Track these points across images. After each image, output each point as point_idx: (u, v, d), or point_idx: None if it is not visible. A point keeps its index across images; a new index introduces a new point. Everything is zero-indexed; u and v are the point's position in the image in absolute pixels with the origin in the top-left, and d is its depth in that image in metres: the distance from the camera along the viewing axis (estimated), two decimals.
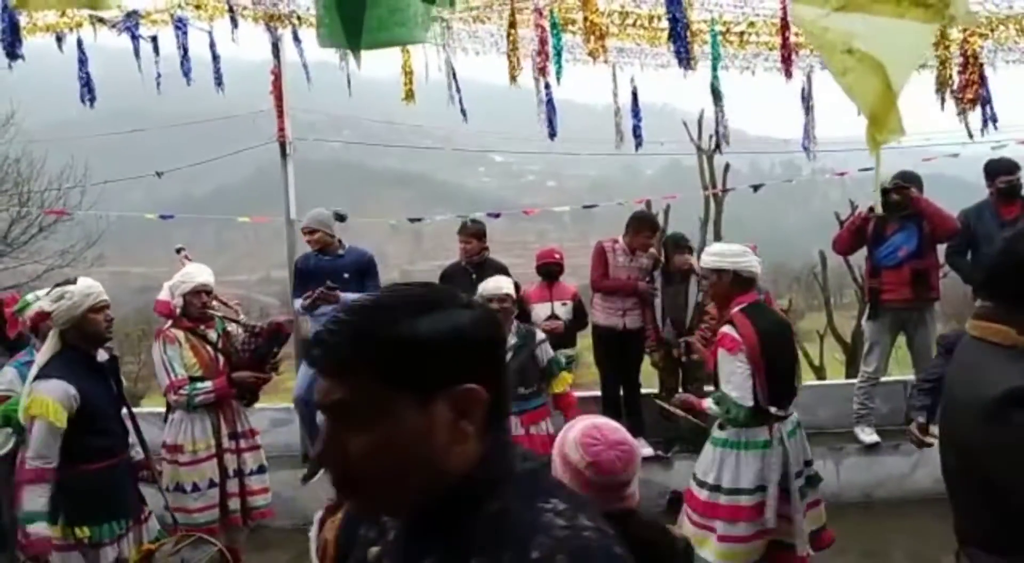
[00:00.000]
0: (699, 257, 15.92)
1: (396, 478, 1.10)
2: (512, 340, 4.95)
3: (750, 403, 3.82)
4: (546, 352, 5.17)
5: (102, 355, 3.89)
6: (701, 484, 4.02)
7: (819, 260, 17.42)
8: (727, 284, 3.96)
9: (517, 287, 6.77)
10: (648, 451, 6.07)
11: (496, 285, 4.93)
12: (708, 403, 3.97)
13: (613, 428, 2.16)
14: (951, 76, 4.97)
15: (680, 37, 4.46)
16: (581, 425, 2.18)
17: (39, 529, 3.47)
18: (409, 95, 5.92)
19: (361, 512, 1.26)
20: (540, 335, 5.22)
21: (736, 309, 3.93)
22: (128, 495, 3.93)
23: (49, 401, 3.52)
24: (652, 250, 6.47)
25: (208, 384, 4.59)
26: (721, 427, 4.00)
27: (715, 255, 4.04)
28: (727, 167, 16.35)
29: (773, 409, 3.89)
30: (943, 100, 5.27)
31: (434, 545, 1.11)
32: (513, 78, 5.16)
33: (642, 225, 6.36)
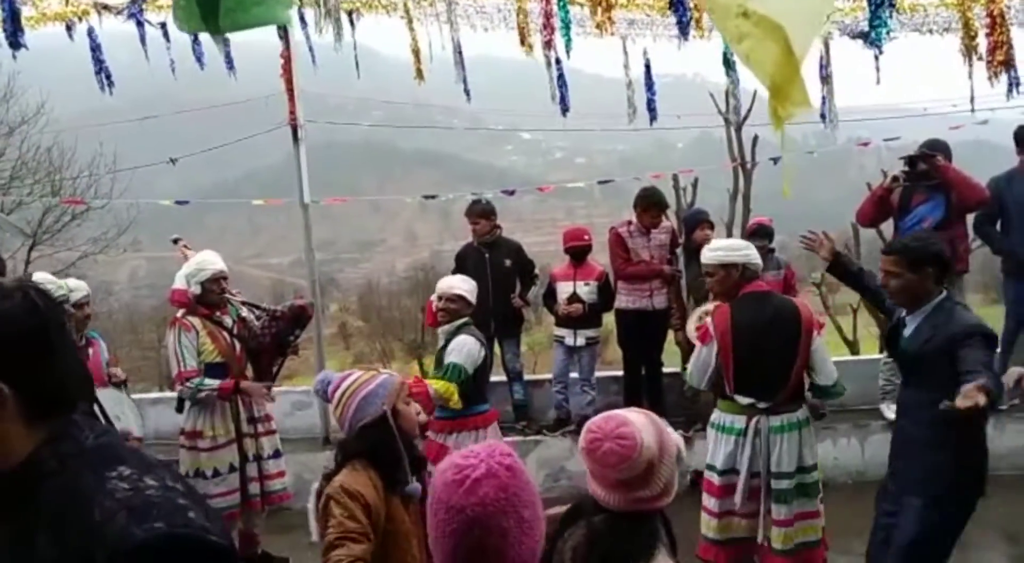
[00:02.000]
0: (728, 231, 15.75)
1: None
2: (440, 341, 4.66)
3: (699, 386, 4.21)
4: (449, 355, 4.46)
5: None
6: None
7: (852, 232, 17.07)
8: (736, 278, 4.03)
9: (532, 266, 6.75)
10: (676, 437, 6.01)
11: (448, 284, 4.71)
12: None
13: (619, 421, 2.09)
14: (976, 38, 4.75)
15: (681, 4, 4.31)
16: (598, 417, 2.17)
17: None
18: (419, 74, 5.86)
19: None
20: (459, 339, 4.49)
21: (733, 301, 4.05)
22: None
23: None
24: (667, 223, 6.38)
25: (215, 382, 4.62)
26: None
27: (725, 250, 4.09)
28: (756, 139, 16.02)
29: (748, 400, 3.98)
30: (971, 64, 5.06)
31: (6, 521, 1.17)
32: (528, 47, 5.05)
33: (648, 203, 6.28)
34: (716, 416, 4.17)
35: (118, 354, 5.04)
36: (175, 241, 5.47)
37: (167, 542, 1.10)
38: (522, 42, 4.86)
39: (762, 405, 3.98)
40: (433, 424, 4.58)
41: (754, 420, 3.97)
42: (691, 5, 4.34)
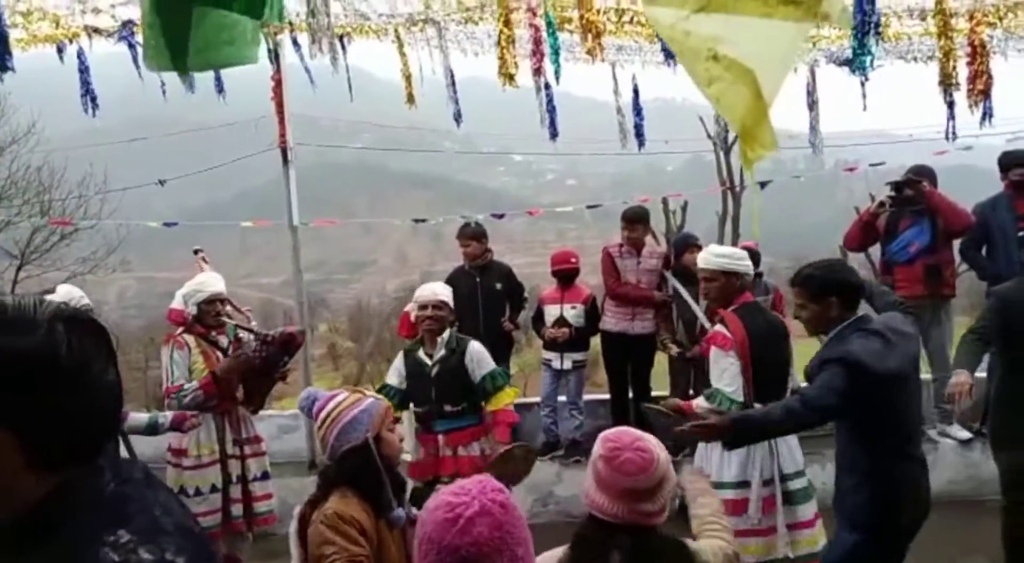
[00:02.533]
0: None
1: None
2: (439, 352, 4.54)
3: (741, 398, 3.92)
4: (480, 366, 4.54)
5: None
6: None
7: (840, 255, 17.18)
8: (737, 286, 4.06)
9: (521, 289, 6.74)
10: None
11: (432, 291, 4.58)
12: (699, 401, 4.03)
13: (636, 435, 2.17)
14: (955, 68, 4.82)
15: None
16: (608, 432, 2.20)
17: None
18: (410, 99, 5.90)
19: None
20: (474, 347, 4.58)
21: (729, 309, 4.05)
22: None
23: None
24: (659, 248, 6.41)
25: (194, 384, 4.61)
26: None
27: (724, 257, 4.12)
28: None
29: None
30: (949, 94, 5.11)
31: None
32: (510, 77, 5.08)
33: (628, 218, 6.31)
34: None
35: None
36: (196, 251, 5.51)
37: None
38: (505, 69, 4.86)
39: None
40: (430, 438, 4.58)
41: None
42: None
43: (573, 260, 6.59)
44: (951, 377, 5.96)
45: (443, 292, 4.60)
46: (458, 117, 5.68)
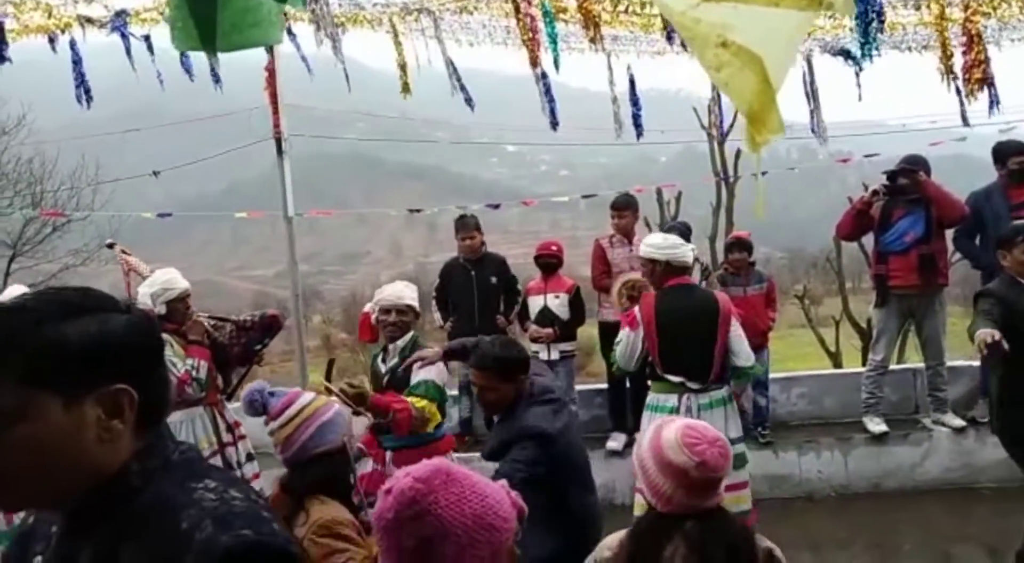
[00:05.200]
0: (711, 244, 15.96)
1: (41, 476, 1.14)
2: (392, 361, 4.13)
3: (631, 368, 4.55)
4: (418, 374, 3.94)
5: None
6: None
7: (833, 245, 17.22)
8: (660, 272, 4.46)
9: (515, 282, 6.73)
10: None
11: (397, 294, 4.14)
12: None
13: (705, 425, 2.16)
14: (952, 56, 4.82)
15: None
16: (674, 428, 2.15)
17: None
18: (405, 88, 5.87)
19: (7, 508, 1.30)
20: (424, 354, 4.01)
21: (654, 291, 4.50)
22: None
23: None
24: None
25: (193, 360, 4.62)
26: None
27: (651, 247, 4.50)
28: (738, 152, 16.16)
29: (677, 378, 4.37)
30: (949, 82, 5.13)
31: (90, 539, 1.16)
32: (533, 64, 5.07)
33: (618, 207, 6.34)
34: (650, 398, 4.51)
35: None
36: (110, 246, 5.42)
37: (252, 548, 1.11)
38: (530, 60, 4.88)
39: (693, 385, 4.36)
40: (379, 453, 4.11)
41: (684, 398, 4.35)
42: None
43: (554, 248, 6.56)
44: (944, 365, 6.01)
45: (408, 295, 4.17)
46: (469, 102, 5.67)
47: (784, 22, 2.11)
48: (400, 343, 4.12)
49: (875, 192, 5.85)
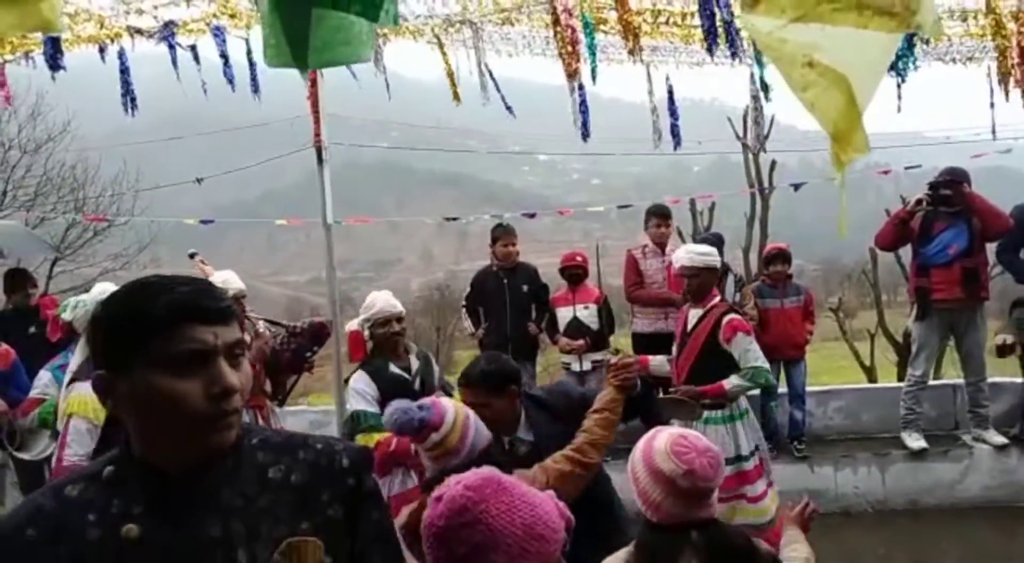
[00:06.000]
0: (745, 256, 15.80)
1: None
2: (414, 363, 4.13)
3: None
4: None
5: None
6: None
7: (870, 256, 16.96)
8: (712, 280, 4.57)
9: (546, 291, 6.73)
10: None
11: (391, 304, 4.12)
12: (733, 380, 4.31)
13: (696, 436, 2.15)
14: (1012, 67, 4.76)
15: (712, 31, 4.37)
16: (664, 436, 2.14)
17: None
18: (456, 97, 5.89)
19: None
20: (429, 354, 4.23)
21: (718, 299, 4.54)
22: None
23: (88, 399, 3.52)
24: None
25: None
26: (718, 407, 4.42)
27: (705, 255, 4.57)
28: (773, 164, 16.02)
29: None
30: (1007, 91, 5.07)
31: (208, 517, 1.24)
32: (571, 75, 5.11)
33: (652, 215, 6.31)
34: (728, 409, 4.45)
35: None
36: (192, 255, 5.56)
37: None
38: (566, 72, 4.93)
39: None
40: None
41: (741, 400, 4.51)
42: (719, 32, 4.39)
43: (580, 258, 6.54)
44: (986, 381, 5.93)
45: (398, 302, 4.21)
46: (510, 110, 5.72)
47: (872, 43, 2.12)
48: (414, 354, 4.15)
49: (919, 202, 5.77)
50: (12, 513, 1.25)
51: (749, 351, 4.32)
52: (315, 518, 1.28)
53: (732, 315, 4.40)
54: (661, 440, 2.13)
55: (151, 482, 1.22)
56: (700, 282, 4.51)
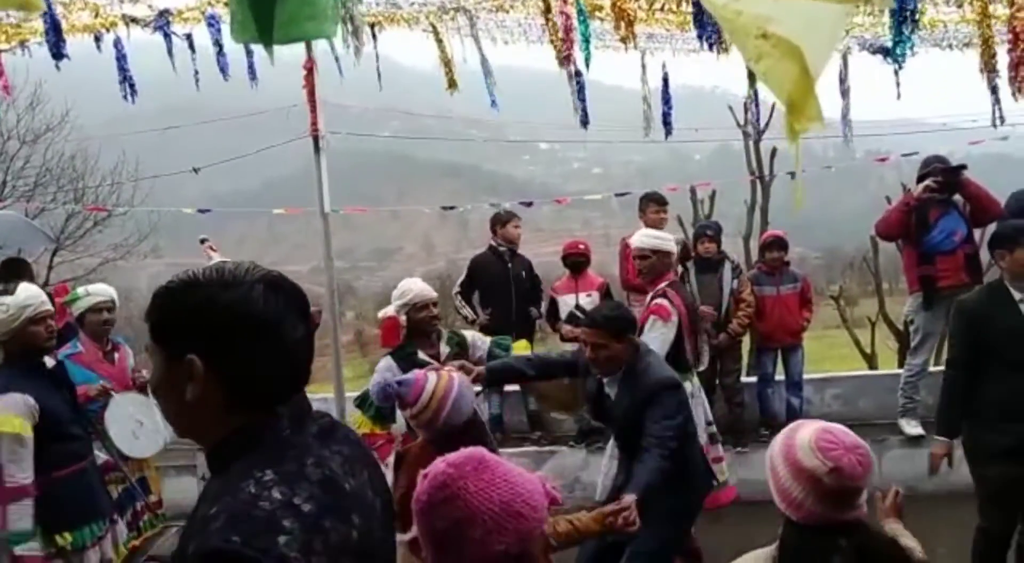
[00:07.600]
0: (745, 244, 15.79)
1: (170, 414, 1.35)
2: (445, 349, 4.21)
3: None
4: (484, 344, 4.35)
5: (50, 362, 3.72)
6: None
7: (871, 244, 16.92)
8: (665, 263, 4.63)
9: (539, 281, 6.76)
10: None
11: (424, 288, 4.24)
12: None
13: (845, 431, 1.98)
14: (995, 55, 4.74)
15: (700, 17, 4.36)
16: (809, 430, 1.98)
17: (31, 550, 3.36)
18: (452, 84, 5.88)
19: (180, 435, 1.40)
20: (468, 335, 4.39)
21: (665, 284, 4.57)
22: (101, 497, 3.83)
23: (11, 416, 3.36)
24: (681, 237, 6.41)
25: None
26: None
27: (656, 238, 4.69)
28: (774, 151, 15.95)
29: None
30: (990, 82, 5.04)
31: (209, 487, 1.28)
32: (561, 63, 5.10)
33: (648, 202, 6.34)
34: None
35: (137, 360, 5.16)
36: (203, 241, 5.60)
37: (220, 556, 1.11)
38: (557, 58, 4.92)
39: (697, 368, 4.84)
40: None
41: (694, 381, 4.68)
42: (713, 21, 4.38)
43: (582, 246, 6.57)
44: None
45: (430, 288, 4.34)
46: (494, 103, 5.70)
47: (824, 14, 2.17)
48: (445, 341, 4.26)
49: (928, 188, 5.73)
50: None
51: (651, 333, 4.33)
52: None
53: (659, 299, 4.49)
54: (805, 433, 1.97)
55: None
56: (651, 264, 4.59)
